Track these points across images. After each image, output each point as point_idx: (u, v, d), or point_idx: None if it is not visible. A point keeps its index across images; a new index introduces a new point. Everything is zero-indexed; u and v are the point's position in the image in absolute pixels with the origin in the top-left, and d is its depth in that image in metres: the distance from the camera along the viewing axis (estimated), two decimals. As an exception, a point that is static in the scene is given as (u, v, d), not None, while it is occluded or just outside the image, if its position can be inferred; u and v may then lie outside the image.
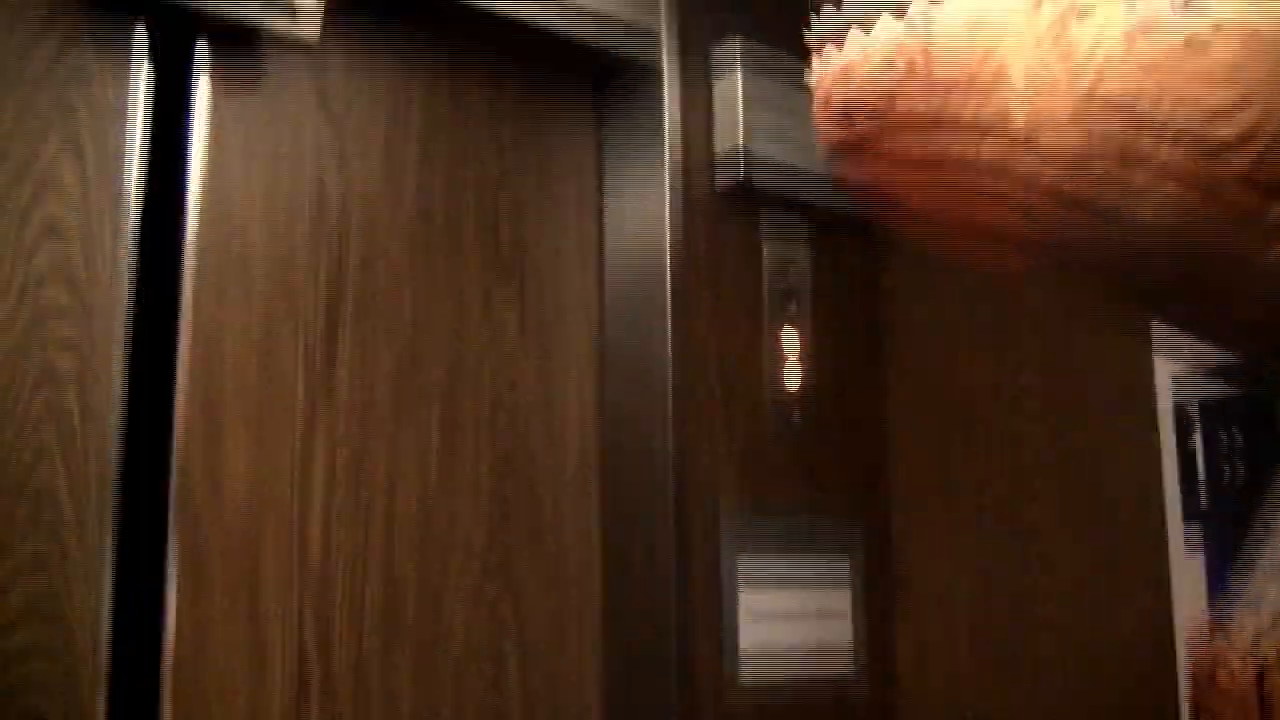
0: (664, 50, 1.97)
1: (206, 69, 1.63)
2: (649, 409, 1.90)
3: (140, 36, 1.59)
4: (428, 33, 1.89)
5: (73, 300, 1.51)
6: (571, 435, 1.95)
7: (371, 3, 1.81)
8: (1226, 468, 1.59)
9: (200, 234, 1.59)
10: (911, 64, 1.07)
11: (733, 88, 2.00)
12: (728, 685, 1.86)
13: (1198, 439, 1.63)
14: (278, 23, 1.62)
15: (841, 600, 2.02)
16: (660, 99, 1.97)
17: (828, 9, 1.14)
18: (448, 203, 1.87)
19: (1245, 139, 0.91)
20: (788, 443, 2.01)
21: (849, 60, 1.11)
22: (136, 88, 1.59)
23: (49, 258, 1.50)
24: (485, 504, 1.86)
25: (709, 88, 2.02)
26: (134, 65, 1.59)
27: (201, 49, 1.63)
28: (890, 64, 1.08)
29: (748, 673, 1.87)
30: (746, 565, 1.90)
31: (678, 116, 1.97)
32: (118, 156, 1.57)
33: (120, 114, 1.57)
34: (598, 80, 2.06)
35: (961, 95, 1.05)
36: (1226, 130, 0.91)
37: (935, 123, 1.06)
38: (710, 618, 1.86)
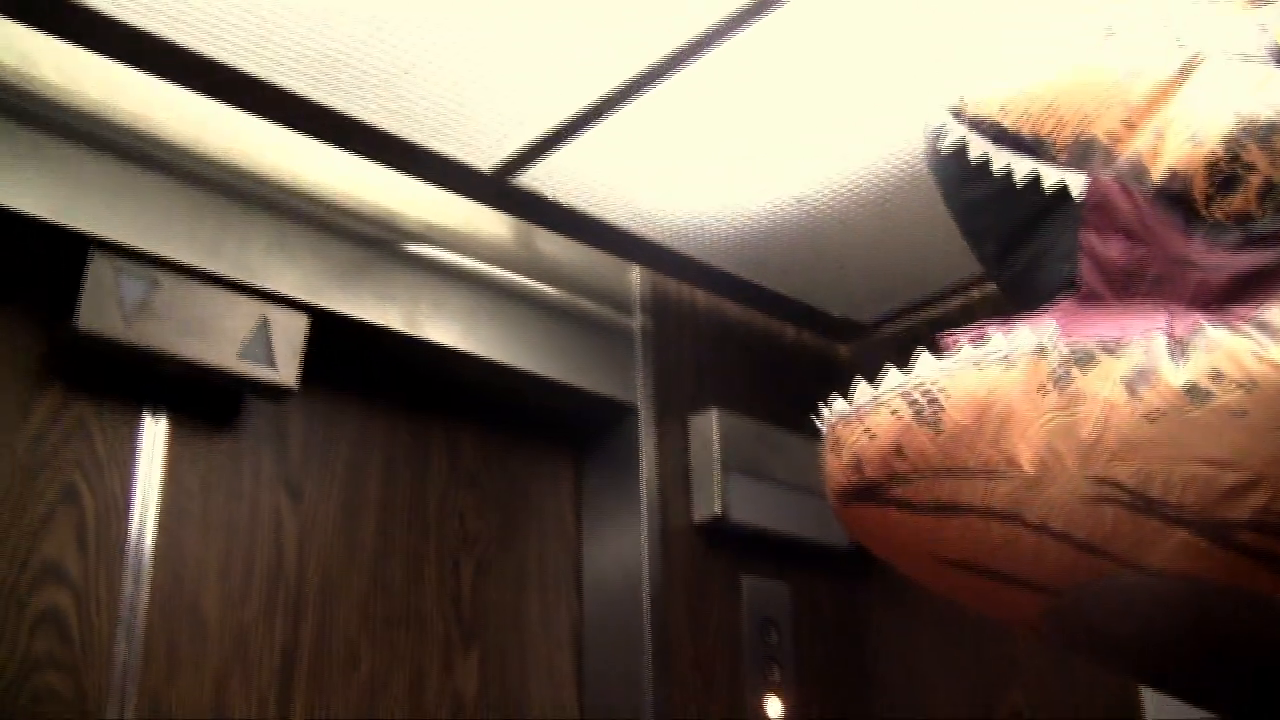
0: (641, 423, 2.03)
1: (168, 415, 1.68)
2: None
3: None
4: (394, 400, 1.93)
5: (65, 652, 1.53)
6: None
7: (344, 362, 1.87)
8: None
9: (153, 594, 1.60)
10: (918, 411, 1.12)
11: (709, 457, 2.05)
12: None
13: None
14: (257, 370, 1.66)
15: None
16: (638, 471, 2.01)
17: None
18: (407, 571, 1.87)
19: (1257, 515, 0.95)
20: None
21: (860, 407, 1.16)
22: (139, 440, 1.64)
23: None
24: None
25: (686, 458, 2.07)
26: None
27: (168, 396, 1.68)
28: (899, 412, 1.13)
29: None
30: None
31: (655, 488, 2.01)
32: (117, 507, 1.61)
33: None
34: (573, 449, 2.11)
35: (969, 441, 1.09)
36: (1236, 511, 0.95)
37: (945, 467, 1.10)
38: None
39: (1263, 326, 0.97)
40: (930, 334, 1.19)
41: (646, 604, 1.92)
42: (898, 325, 2.28)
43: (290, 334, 1.70)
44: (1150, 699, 1.72)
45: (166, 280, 1.61)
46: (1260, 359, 0.95)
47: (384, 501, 1.88)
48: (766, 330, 2.31)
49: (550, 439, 2.09)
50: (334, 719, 1.72)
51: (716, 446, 2.04)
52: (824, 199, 1.94)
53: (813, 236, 2.03)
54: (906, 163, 1.86)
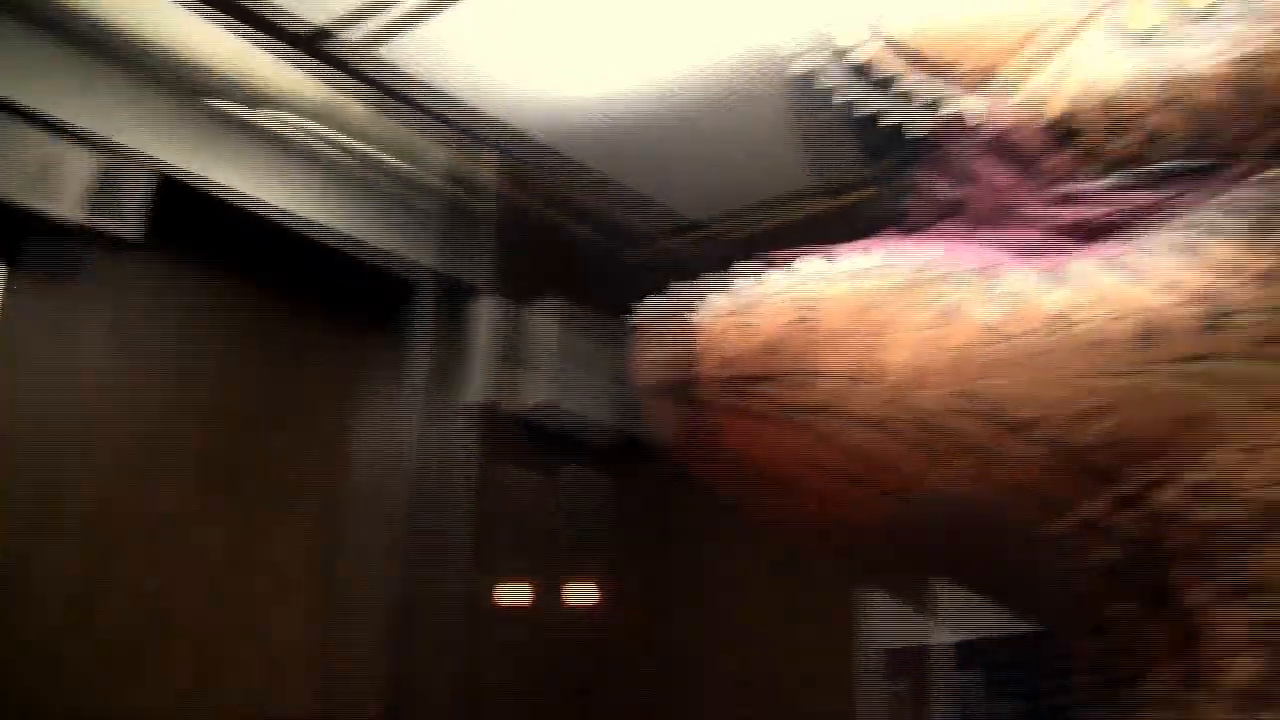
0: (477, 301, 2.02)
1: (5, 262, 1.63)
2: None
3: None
4: (231, 263, 1.91)
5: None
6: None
7: (188, 222, 1.83)
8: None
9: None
10: (797, 314, 1.15)
11: (547, 343, 2.06)
12: None
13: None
14: (99, 222, 1.62)
15: None
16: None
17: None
18: (229, 432, 1.85)
19: (1106, 439, 1.00)
20: None
21: (739, 302, 1.18)
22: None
23: None
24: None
25: (518, 341, 2.08)
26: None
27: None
28: (774, 312, 1.15)
29: None
30: None
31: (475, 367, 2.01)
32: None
33: None
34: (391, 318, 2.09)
35: (843, 347, 1.13)
36: (1088, 434, 1.00)
37: (814, 372, 1.13)
38: None
39: (1132, 264, 1.02)
40: (762, 241, 1.21)
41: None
42: (727, 226, 2.30)
43: (133, 188, 1.66)
44: None
45: (7, 125, 1.56)
46: (1125, 294, 1.00)
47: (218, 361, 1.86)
48: (591, 218, 2.31)
49: (352, 308, 2.07)
50: (151, 573, 1.71)
51: (554, 336, 2.05)
52: (664, 93, 1.95)
53: (651, 128, 2.04)
54: (751, 66, 1.86)
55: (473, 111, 1.97)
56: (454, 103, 1.96)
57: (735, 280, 1.17)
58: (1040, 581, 1.05)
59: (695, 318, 1.19)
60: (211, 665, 1.75)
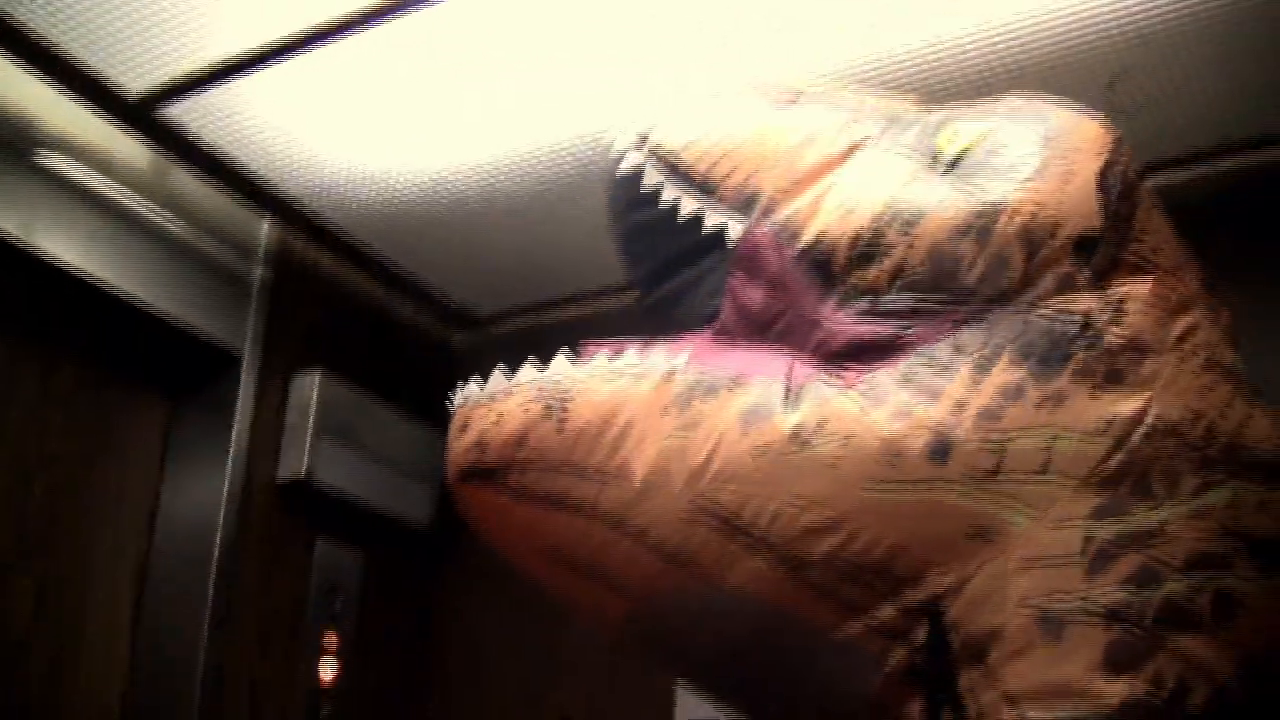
0: (243, 373, 1.99)
1: None
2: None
3: None
4: None
5: None
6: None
7: None
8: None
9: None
10: (548, 407, 1.17)
11: (304, 417, 2.03)
12: None
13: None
14: None
15: None
16: (231, 421, 1.97)
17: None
18: None
19: (828, 555, 1.04)
20: None
21: (493, 393, 1.20)
22: None
23: None
24: None
25: (281, 416, 2.05)
26: None
27: None
28: (529, 404, 1.17)
29: None
30: None
31: (245, 440, 1.97)
32: None
33: None
34: (172, 389, 2.04)
35: (590, 444, 1.15)
36: (812, 549, 1.05)
37: (563, 463, 1.15)
38: None
39: (868, 392, 1.07)
40: (544, 338, 1.24)
41: (215, 555, 1.88)
42: (513, 323, 2.33)
43: None
44: (682, 703, 1.82)
45: None
46: (858, 420, 1.06)
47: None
48: (384, 304, 2.32)
49: (151, 376, 2.02)
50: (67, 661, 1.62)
51: (313, 408, 2.03)
52: (464, 183, 1.97)
53: (446, 218, 2.06)
54: (554, 163, 1.91)
55: (258, 176, 1.94)
56: (242, 166, 1.93)
57: (497, 374, 1.19)
58: (835, 682, 1.08)
59: (454, 407, 1.21)
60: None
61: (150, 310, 1.87)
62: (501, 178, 1.96)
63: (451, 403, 1.23)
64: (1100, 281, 1.08)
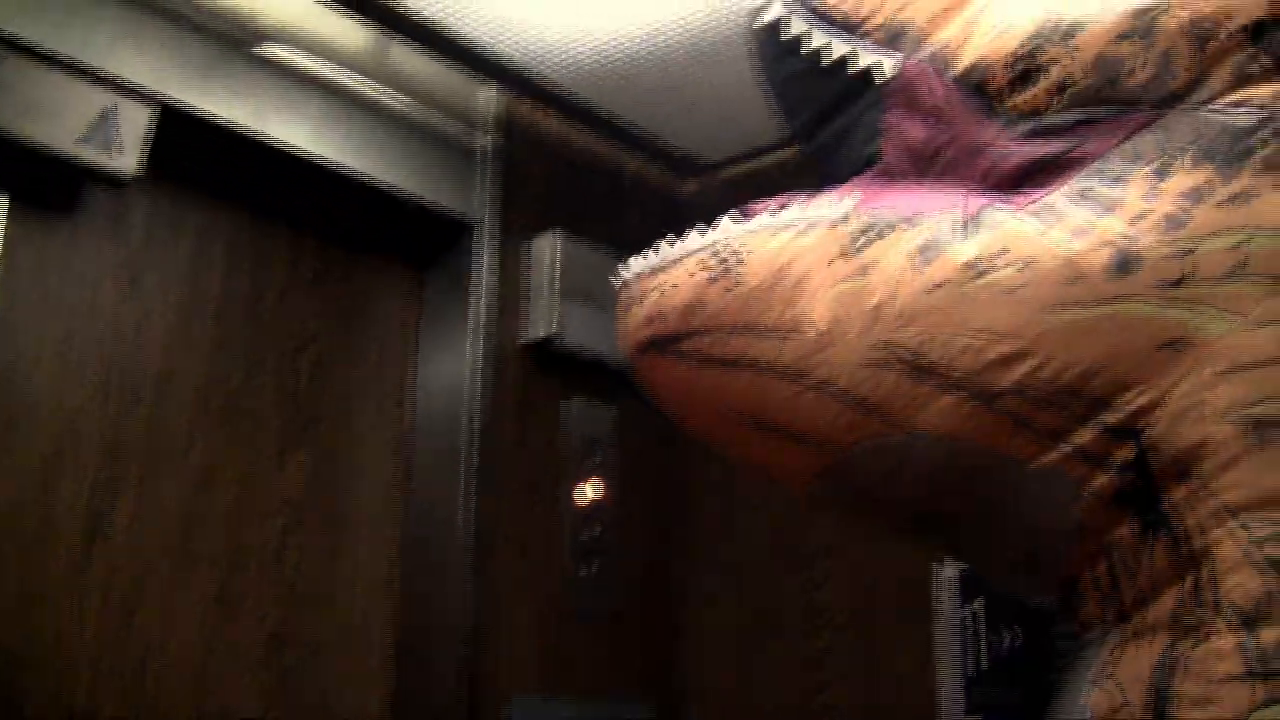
0: (484, 238, 2.02)
1: (7, 196, 1.64)
2: (446, 586, 1.87)
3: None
4: (240, 199, 1.90)
5: None
6: (359, 609, 1.92)
7: (192, 157, 1.83)
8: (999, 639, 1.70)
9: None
10: (717, 269, 1.16)
11: (546, 279, 2.06)
12: None
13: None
14: (98, 157, 1.63)
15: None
16: (476, 289, 2.01)
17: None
18: (244, 368, 1.86)
19: (1020, 384, 1.02)
20: (585, 614, 2.01)
21: (660, 263, 1.20)
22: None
23: None
24: (261, 675, 1.81)
25: (524, 279, 2.08)
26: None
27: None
28: (698, 270, 1.17)
29: None
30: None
31: (491, 306, 2.01)
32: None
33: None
34: (415, 263, 2.09)
35: (764, 301, 1.15)
36: (1003, 379, 1.03)
37: (739, 324, 1.15)
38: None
39: (1044, 212, 1.04)
40: (770, 180, 1.23)
41: (472, 420, 1.93)
42: (741, 167, 2.31)
43: (134, 123, 1.67)
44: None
45: (8, 59, 1.56)
46: (1039, 241, 1.03)
47: (224, 297, 1.87)
48: (613, 159, 2.32)
49: (393, 252, 2.07)
50: (160, 510, 1.72)
51: (555, 269, 2.05)
52: (681, 33, 1.96)
53: (667, 69, 2.05)
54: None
55: (478, 45, 1.96)
56: (460, 36, 1.95)
57: (664, 243, 1.19)
58: (1036, 513, 1.07)
59: (621, 279, 1.22)
60: (230, 599, 1.76)
61: (385, 187, 1.91)
62: (707, 27, 1.94)
63: (618, 277, 1.23)
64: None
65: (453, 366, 1.98)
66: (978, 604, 1.71)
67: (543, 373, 2.03)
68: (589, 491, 2.04)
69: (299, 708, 1.82)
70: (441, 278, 2.05)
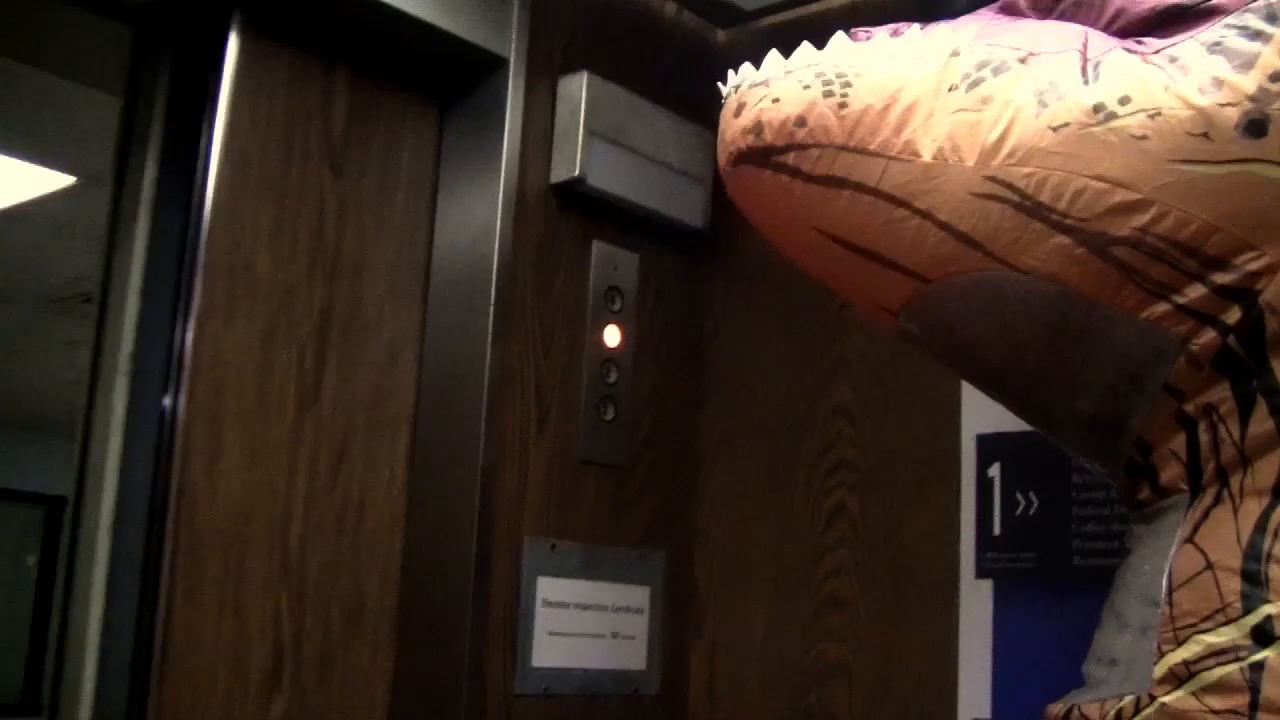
0: (511, 75, 1.98)
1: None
2: (462, 427, 1.87)
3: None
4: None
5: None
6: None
7: None
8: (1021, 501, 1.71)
9: (211, 256, 1.69)
10: (827, 87, 1.13)
11: (574, 119, 2.02)
12: (519, 699, 1.84)
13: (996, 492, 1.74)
14: None
15: (639, 626, 2.03)
16: (501, 126, 1.97)
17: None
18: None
19: (1136, 233, 1.00)
20: (599, 460, 2.02)
21: (769, 75, 1.17)
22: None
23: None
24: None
25: (551, 118, 2.04)
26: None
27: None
28: (809, 85, 1.14)
29: (540, 688, 1.87)
30: (547, 587, 1.89)
31: (517, 144, 1.97)
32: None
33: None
34: (439, 98, 2.05)
35: (873, 124, 1.12)
36: (1119, 226, 1.00)
37: (845, 143, 1.12)
38: (506, 635, 1.84)
39: (1174, 60, 1.01)
40: (811, 30, 1.19)
41: (495, 261, 1.91)
42: (778, 16, 2.24)
43: None
44: (968, 408, 1.80)
45: None
46: (1167, 90, 1.00)
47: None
48: (649, 2, 2.25)
49: (419, 83, 2.01)
50: (356, 377, 1.82)
51: (583, 109, 2.00)
52: None
53: None
54: None
55: None
56: None
57: (772, 57, 1.16)
58: (1130, 371, 1.06)
59: (727, 90, 1.19)
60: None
61: (412, 14, 1.86)
62: None
63: (723, 89, 1.20)
64: None
65: (476, 205, 1.94)
66: (994, 469, 1.71)
67: (567, 215, 2.00)
68: (608, 338, 2.03)
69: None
70: (467, 113, 2.00)
